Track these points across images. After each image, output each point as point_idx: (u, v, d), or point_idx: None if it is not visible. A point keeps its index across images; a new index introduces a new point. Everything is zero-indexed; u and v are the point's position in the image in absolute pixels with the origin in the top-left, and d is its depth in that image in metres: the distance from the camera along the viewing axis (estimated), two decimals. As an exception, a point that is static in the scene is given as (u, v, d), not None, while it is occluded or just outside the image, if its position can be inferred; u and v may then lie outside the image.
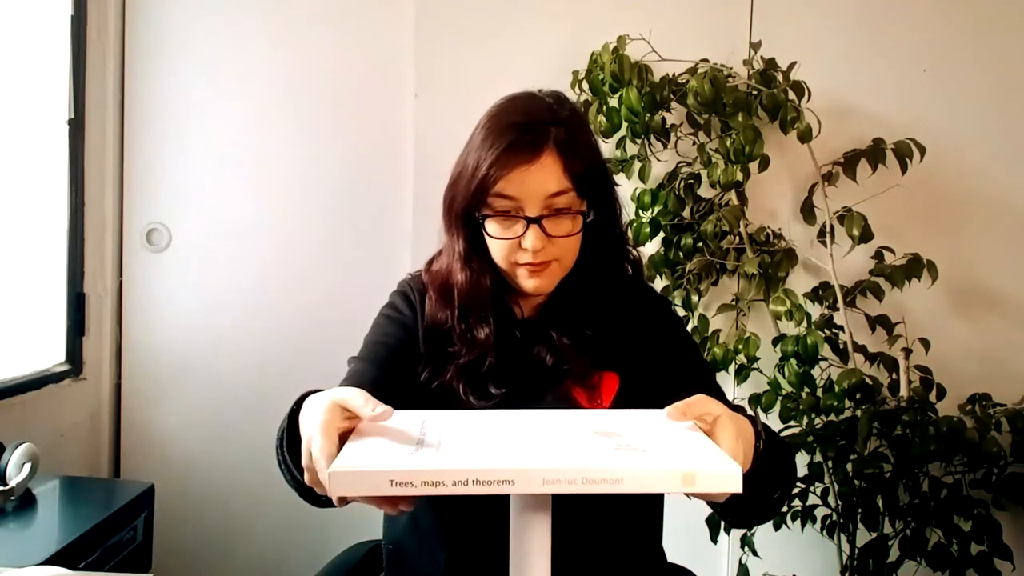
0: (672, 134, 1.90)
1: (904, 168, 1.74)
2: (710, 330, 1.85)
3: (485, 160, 0.97)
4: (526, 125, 0.98)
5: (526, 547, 0.74)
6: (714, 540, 1.79)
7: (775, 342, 1.80)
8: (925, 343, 1.78)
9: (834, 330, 1.81)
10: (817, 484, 1.77)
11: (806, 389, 1.77)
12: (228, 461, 2.08)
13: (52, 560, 1.18)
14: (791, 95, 1.77)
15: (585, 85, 1.87)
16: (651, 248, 1.90)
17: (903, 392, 1.74)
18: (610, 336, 1.05)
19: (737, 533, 1.82)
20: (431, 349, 1.06)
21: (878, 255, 1.83)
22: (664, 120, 1.88)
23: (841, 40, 1.90)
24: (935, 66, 1.89)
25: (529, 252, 0.98)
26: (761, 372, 1.85)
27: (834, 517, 1.77)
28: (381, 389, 0.80)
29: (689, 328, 1.79)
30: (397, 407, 0.80)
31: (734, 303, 1.88)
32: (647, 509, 1.10)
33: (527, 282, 1.01)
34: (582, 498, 0.66)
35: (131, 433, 2.10)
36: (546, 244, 0.98)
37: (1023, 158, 1.89)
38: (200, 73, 2.07)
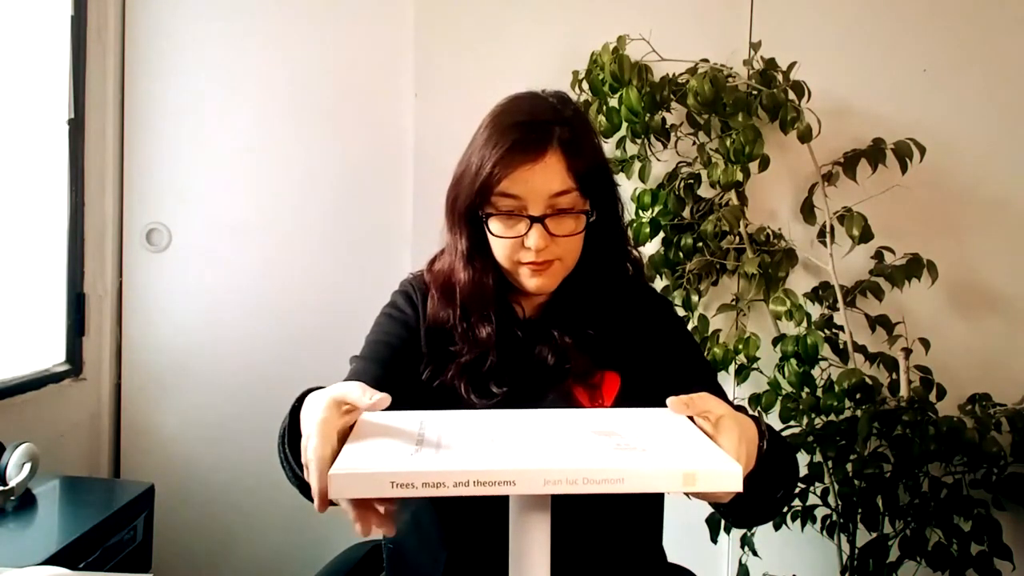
0: (672, 134, 1.90)
1: (904, 168, 1.74)
2: (710, 330, 1.85)
3: (489, 159, 0.97)
4: (530, 124, 0.98)
5: (526, 547, 0.74)
6: (714, 540, 1.79)
7: (775, 342, 1.81)
8: (925, 343, 1.78)
9: (834, 330, 1.81)
10: (817, 484, 1.77)
11: (806, 389, 1.77)
12: (228, 461, 2.08)
13: (52, 560, 1.18)
14: (791, 95, 1.77)
15: (585, 85, 1.87)
16: (651, 248, 1.90)
17: (903, 392, 1.74)
18: (612, 336, 1.05)
19: (737, 533, 1.82)
20: (433, 348, 1.06)
21: (878, 255, 1.83)
22: (664, 120, 1.88)
23: (841, 40, 1.90)
24: (935, 66, 1.89)
25: (532, 251, 0.98)
26: (761, 372, 1.85)
27: (834, 517, 1.77)
28: (382, 387, 0.80)
29: (689, 328, 1.79)
30: (398, 406, 0.80)
31: (734, 303, 1.88)
32: (647, 509, 1.10)
33: (530, 281, 1.01)
34: (582, 498, 0.66)
35: (131, 433, 2.10)
36: (549, 243, 0.98)
37: (1023, 158, 1.89)
38: (200, 73, 2.07)
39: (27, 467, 1.42)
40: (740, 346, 1.77)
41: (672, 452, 0.70)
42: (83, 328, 1.97)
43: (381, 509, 0.67)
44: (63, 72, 1.90)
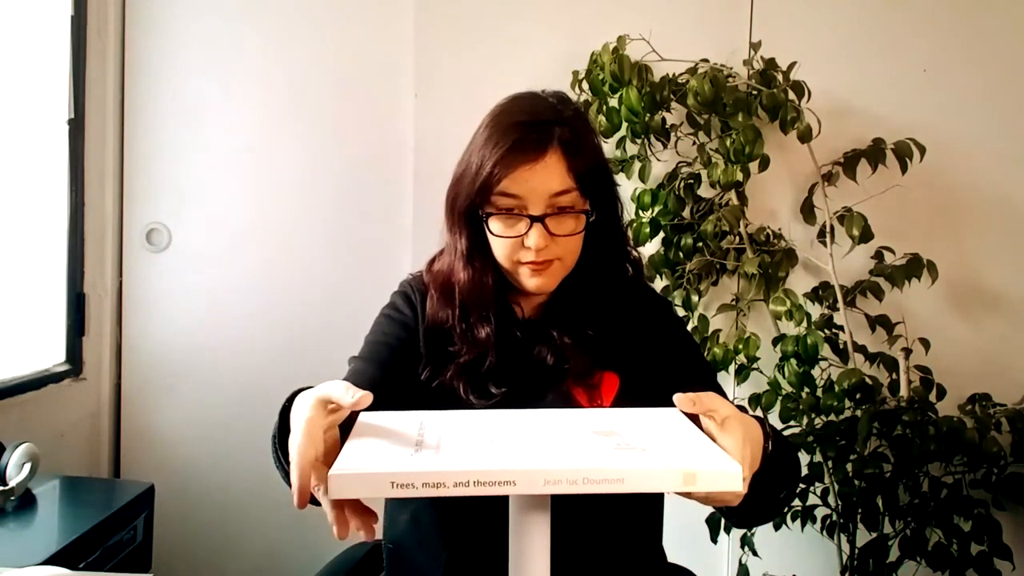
0: (672, 134, 1.90)
1: (904, 168, 1.74)
2: (710, 330, 1.85)
3: (489, 159, 0.97)
4: (531, 124, 0.99)
5: (526, 547, 0.74)
6: (714, 540, 1.79)
7: (775, 342, 1.81)
8: (925, 343, 1.78)
9: (834, 330, 1.81)
10: (817, 484, 1.77)
11: (806, 389, 1.77)
12: (228, 461, 2.08)
13: (52, 560, 1.18)
14: (791, 95, 1.77)
15: (585, 85, 1.87)
16: (651, 248, 1.90)
17: (903, 392, 1.74)
18: (611, 336, 1.05)
19: (737, 533, 1.82)
20: (431, 348, 1.06)
21: (878, 255, 1.83)
22: (664, 120, 1.88)
23: (841, 40, 1.90)
24: (935, 66, 1.89)
25: (532, 251, 0.98)
26: (761, 372, 1.85)
27: (834, 517, 1.77)
28: (381, 389, 0.80)
29: (689, 328, 1.79)
30: (397, 407, 0.80)
31: (734, 303, 1.88)
32: (647, 509, 1.10)
33: (529, 281, 1.01)
34: (581, 498, 0.66)
35: (131, 433, 2.10)
36: (549, 243, 0.98)
37: (1023, 158, 1.89)
38: (200, 73, 2.07)
39: (27, 467, 1.42)
40: (740, 346, 1.77)
41: (672, 452, 0.70)
42: (83, 328, 1.97)
43: (346, 534, 0.68)
44: (63, 72, 1.90)
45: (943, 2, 1.89)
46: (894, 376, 1.78)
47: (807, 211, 1.86)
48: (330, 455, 0.69)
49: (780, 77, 1.78)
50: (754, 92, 1.79)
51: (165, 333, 2.09)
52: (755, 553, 1.80)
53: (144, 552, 1.54)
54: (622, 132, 1.88)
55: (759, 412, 1.81)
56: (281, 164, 2.08)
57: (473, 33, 1.99)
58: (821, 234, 1.84)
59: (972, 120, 1.88)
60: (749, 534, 1.79)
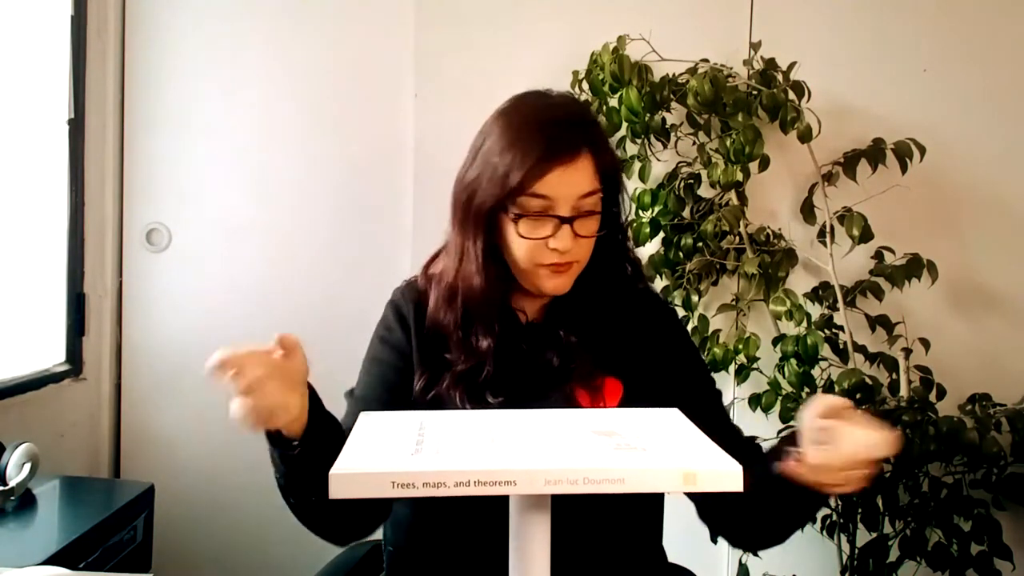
0: (672, 134, 1.89)
1: (904, 168, 1.74)
2: (710, 330, 1.85)
3: (522, 160, 0.95)
4: (565, 124, 0.98)
5: (526, 547, 0.74)
6: (714, 540, 1.78)
7: (775, 342, 1.80)
8: (925, 343, 1.78)
9: (834, 330, 1.81)
10: (817, 484, 1.77)
11: (806, 389, 1.76)
12: (228, 461, 2.07)
13: (52, 560, 1.18)
14: (791, 95, 1.77)
15: (585, 85, 1.87)
16: (651, 248, 1.90)
17: (903, 392, 1.74)
18: (614, 340, 1.05)
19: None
20: (426, 357, 1.04)
21: (878, 255, 1.82)
22: (664, 120, 1.88)
23: (841, 40, 1.90)
24: (935, 66, 1.89)
25: (557, 252, 0.97)
26: (761, 372, 1.84)
27: (834, 517, 1.77)
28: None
29: (689, 328, 1.79)
30: None
31: (734, 303, 1.88)
32: (647, 509, 1.10)
33: (549, 282, 1.00)
34: (582, 498, 0.66)
35: (131, 433, 2.10)
36: (573, 244, 0.98)
37: (1023, 158, 1.89)
38: (200, 73, 2.07)
39: (27, 467, 1.42)
40: (740, 346, 1.77)
41: (672, 452, 0.70)
42: (83, 328, 1.97)
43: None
44: (63, 72, 1.90)
45: (943, 2, 1.89)
46: (894, 376, 1.78)
47: (807, 211, 1.85)
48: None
49: (780, 77, 1.78)
50: (754, 92, 1.79)
51: (165, 333, 2.09)
52: (755, 553, 1.80)
53: (144, 552, 1.54)
54: (622, 132, 1.88)
55: (759, 412, 1.81)
56: (281, 164, 2.08)
57: (473, 33, 1.99)
58: (821, 234, 1.84)
59: (972, 120, 1.88)
60: (749, 534, 1.79)
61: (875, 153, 1.76)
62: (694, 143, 1.89)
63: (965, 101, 1.88)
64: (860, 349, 1.80)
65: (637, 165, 1.88)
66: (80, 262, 1.96)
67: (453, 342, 1.03)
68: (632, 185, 1.90)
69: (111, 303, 2.07)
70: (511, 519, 0.74)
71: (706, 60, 1.83)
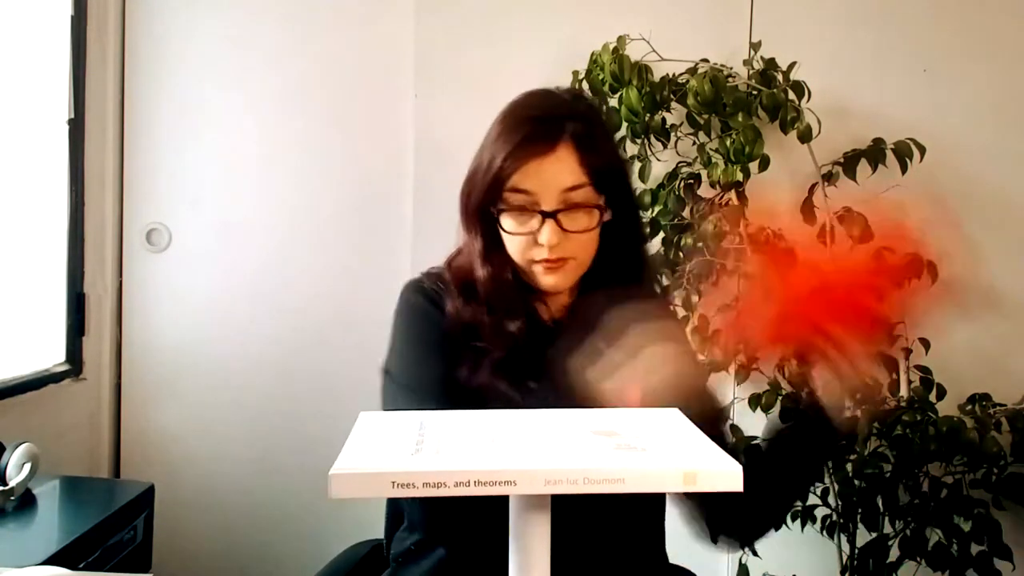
0: (672, 134, 1.89)
1: (904, 168, 1.74)
2: (710, 330, 1.85)
3: (500, 153, 0.96)
4: (541, 118, 0.98)
5: (526, 547, 0.74)
6: (715, 540, 1.79)
7: (775, 342, 1.80)
8: (925, 343, 1.78)
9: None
10: (817, 484, 1.77)
11: (806, 389, 1.76)
12: (228, 461, 2.08)
13: (52, 560, 1.17)
14: (791, 95, 1.77)
15: (585, 85, 1.87)
16: (651, 248, 1.90)
17: (903, 392, 1.74)
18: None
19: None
20: (461, 348, 1.02)
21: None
22: (664, 120, 1.88)
23: (841, 40, 1.90)
24: (935, 66, 1.89)
25: (545, 248, 0.97)
26: (761, 372, 1.84)
27: (834, 517, 1.77)
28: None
29: (689, 329, 1.79)
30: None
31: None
32: (648, 509, 1.10)
33: (544, 279, 1.00)
34: (582, 498, 0.66)
35: (131, 433, 2.10)
36: (562, 239, 0.96)
37: (1023, 158, 1.89)
38: (200, 73, 2.07)
39: (27, 467, 1.42)
40: (740, 346, 1.77)
41: (672, 452, 0.70)
42: (83, 328, 1.97)
43: None
44: (63, 72, 1.90)
45: (943, 2, 1.89)
46: (894, 376, 1.78)
47: (807, 211, 1.85)
48: None
49: (780, 77, 1.78)
50: (754, 92, 1.79)
51: (165, 333, 2.09)
52: (755, 553, 1.79)
53: (144, 552, 1.54)
54: (622, 132, 1.87)
55: (759, 412, 1.81)
56: (281, 164, 2.08)
57: (473, 33, 1.99)
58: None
59: (972, 120, 1.88)
60: (749, 534, 1.79)
61: (875, 153, 1.76)
62: (694, 143, 1.89)
63: (965, 101, 1.88)
64: (860, 349, 1.79)
65: (637, 165, 1.88)
66: (80, 262, 1.96)
67: (485, 331, 1.01)
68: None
69: (111, 303, 2.07)
70: (511, 519, 0.74)
71: (706, 60, 1.83)
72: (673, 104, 1.85)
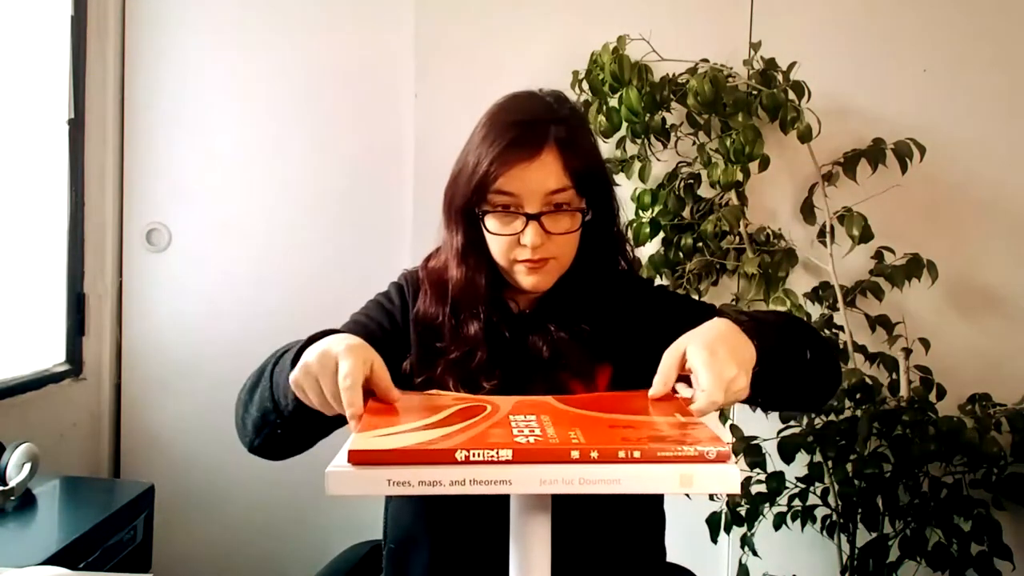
0: (672, 134, 1.90)
1: (904, 168, 1.74)
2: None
3: (486, 157, 0.98)
4: (527, 123, 0.99)
5: (526, 547, 0.74)
6: (714, 540, 1.79)
7: (775, 342, 1.80)
8: (925, 343, 1.78)
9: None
10: (817, 484, 1.77)
11: (806, 389, 1.76)
12: (228, 461, 2.08)
13: (52, 560, 1.18)
14: (791, 95, 1.77)
15: (585, 85, 1.87)
16: (651, 248, 1.90)
17: (903, 392, 1.74)
18: (605, 330, 1.05)
19: (737, 533, 1.81)
20: (420, 343, 1.06)
21: (878, 255, 1.83)
22: (664, 120, 1.88)
23: (841, 40, 1.90)
24: (935, 66, 1.89)
25: (528, 249, 0.98)
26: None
27: (834, 517, 1.77)
28: None
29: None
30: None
31: (734, 303, 1.88)
32: (648, 509, 1.10)
33: (525, 279, 1.02)
34: (582, 498, 0.66)
35: (131, 433, 2.10)
36: (545, 241, 0.98)
37: (1023, 158, 1.89)
38: (200, 73, 2.07)
39: (27, 467, 1.42)
40: (740, 346, 1.77)
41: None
42: (83, 328, 1.97)
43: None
44: (63, 72, 1.90)
45: (943, 2, 1.89)
46: (894, 376, 1.78)
47: (807, 211, 1.86)
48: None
49: (780, 77, 1.78)
50: (754, 92, 1.79)
51: (165, 333, 2.09)
52: (755, 553, 1.80)
53: (144, 552, 1.54)
54: (622, 132, 1.88)
55: (759, 412, 1.80)
56: (281, 164, 2.08)
57: (473, 33, 1.99)
58: (821, 234, 1.84)
59: (972, 120, 1.88)
60: (749, 534, 1.79)
61: (875, 153, 1.76)
62: (694, 143, 1.89)
63: (965, 101, 1.88)
64: (860, 349, 1.80)
65: (637, 165, 1.88)
66: (80, 262, 1.96)
67: (446, 332, 1.05)
68: (632, 185, 1.90)
69: (111, 303, 2.07)
70: (512, 519, 0.74)
71: (706, 60, 1.83)
72: (673, 104, 1.85)
